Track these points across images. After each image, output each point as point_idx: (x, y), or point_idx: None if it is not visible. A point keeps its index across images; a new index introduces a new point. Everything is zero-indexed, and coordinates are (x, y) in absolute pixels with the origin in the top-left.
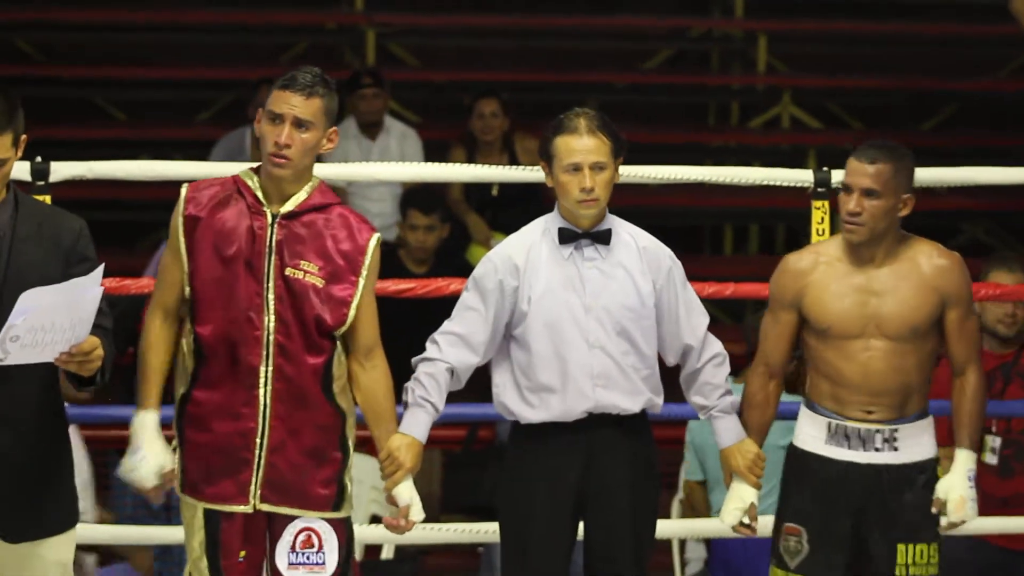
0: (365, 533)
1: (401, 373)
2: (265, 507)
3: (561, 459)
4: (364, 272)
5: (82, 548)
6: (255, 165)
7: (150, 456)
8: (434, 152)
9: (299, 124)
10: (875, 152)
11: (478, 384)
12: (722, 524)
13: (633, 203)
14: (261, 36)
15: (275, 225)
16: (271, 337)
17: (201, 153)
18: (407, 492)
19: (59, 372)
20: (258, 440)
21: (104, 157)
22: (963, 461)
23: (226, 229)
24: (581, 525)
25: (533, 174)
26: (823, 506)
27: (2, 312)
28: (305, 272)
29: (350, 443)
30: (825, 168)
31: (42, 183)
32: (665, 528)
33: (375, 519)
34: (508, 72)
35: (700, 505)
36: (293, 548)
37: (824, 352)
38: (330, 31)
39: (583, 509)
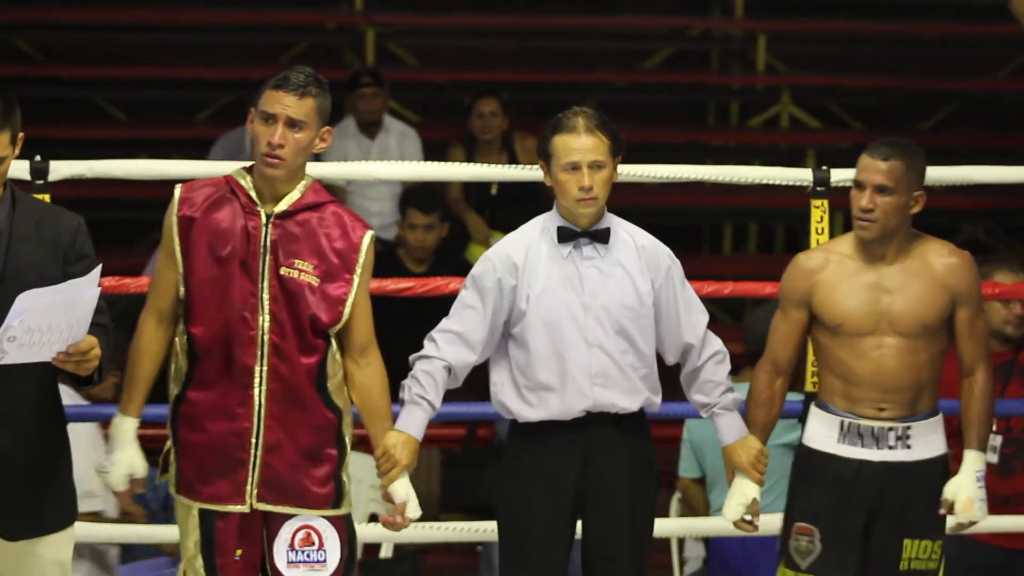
0: (364, 532)
1: (401, 372)
2: (262, 507)
3: (559, 458)
4: (359, 270)
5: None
6: (248, 164)
7: (123, 461)
8: (433, 151)
9: (292, 124)
10: (888, 149)
11: (477, 383)
12: (724, 520)
13: (632, 202)
14: (261, 36)
15: (269, 225)
16: (266, 337)
17: (201, 152)
18: (403, 489)
19: (57, 371)
20: (253, 440)
21: (104, 156)
22: (972, 461)
23: (221, 230)
24: (580, 524)
25: (532, 173)
26: (836, 505)
27: (1, 309)
28: (300, 271)
29: (347, 440)
30: (824, 167)
31: (41, 182)
32: (664, 527)
33: (374, 518)
34: (508, 72)
35: (695, 502)
36: (292, 546)
37: (836, 350)
38: (330, 31)
39: (581, 508)
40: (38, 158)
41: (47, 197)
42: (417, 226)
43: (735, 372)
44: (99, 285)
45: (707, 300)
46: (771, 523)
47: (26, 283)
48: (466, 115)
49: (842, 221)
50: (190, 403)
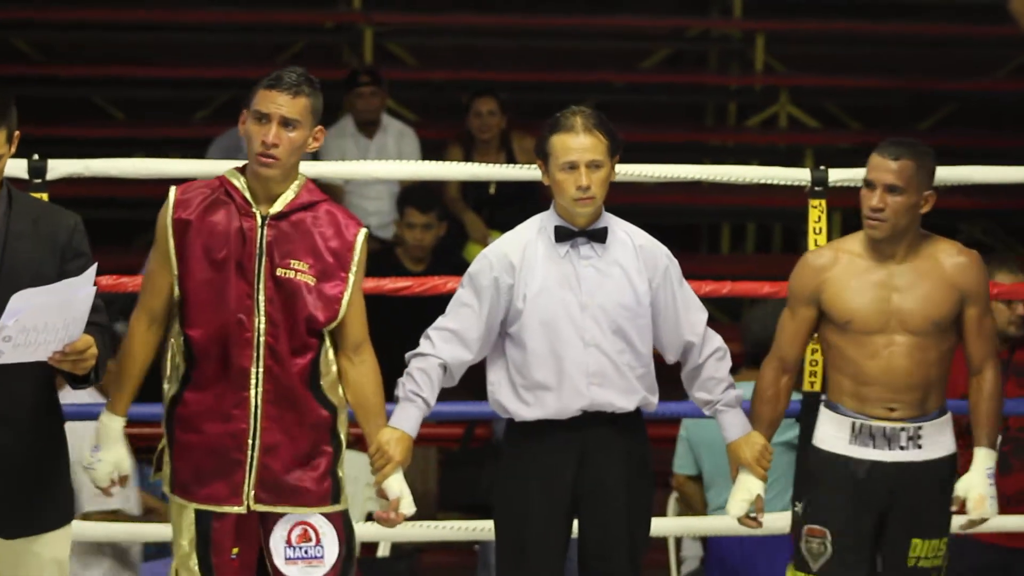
0: (361, 531)
1: (400, 371)
2: (259, 507)
3: (556, 457)
4: (353, 268)
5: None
6: (240, 164)
7: (108, 460)
8: (432, 151)
9: (286, 123)
10: (898, 148)
11: (474, 382)
12: (723, 518)
13: (630, 201)
14: (259, 35)
15: (265, 227)
16: (261, 339)
17: (199, 152)
18: (397, 485)
19: (54, 370)
20: (250, 441)
21: (102, 155)
22: (982, 459)
23: (216, 232)
24: (576, 523)
25: (530, 172)
26: (849, 507)
27: None
28: (296, 271)
29: (342, 436)
30: (822, 167)
31: (39, 180)
32: (661, 526)
33: (371, 517)
34: (507, 72)
35: (691, 499)
36: (289, 543)
37: (846, 349)
38: (328, 30)
39: (578, 507)
40: (36, 157)
41: (45, 196)
42: (415, 225)
43: (733, 371)
44: (95, 284)
45: (705, 300)
46: (771, 521)
47: (22, 282)
48: (464, 114)
49: (840, 221)
50: (186, 404)
